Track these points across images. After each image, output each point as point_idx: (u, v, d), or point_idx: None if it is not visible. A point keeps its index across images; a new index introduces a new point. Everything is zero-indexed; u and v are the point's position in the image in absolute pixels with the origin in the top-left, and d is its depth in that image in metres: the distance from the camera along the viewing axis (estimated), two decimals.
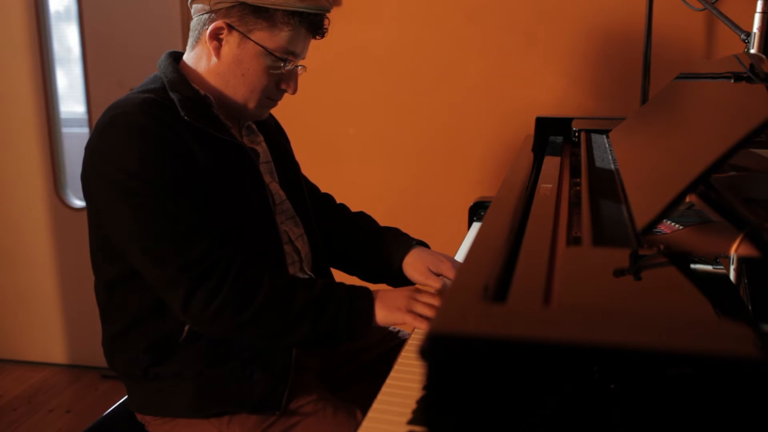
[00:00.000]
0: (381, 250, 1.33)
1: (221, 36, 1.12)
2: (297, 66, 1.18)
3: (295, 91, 1.19)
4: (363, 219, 1.44)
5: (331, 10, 1.16)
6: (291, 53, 1.14)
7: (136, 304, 1.14)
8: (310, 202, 1.36)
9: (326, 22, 1.16)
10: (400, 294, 1.11)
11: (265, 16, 1.09)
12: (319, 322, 1.06)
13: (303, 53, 1.17)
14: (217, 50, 1.13)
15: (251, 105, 1.17)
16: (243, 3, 1.08)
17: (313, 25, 1.14)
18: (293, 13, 1.10)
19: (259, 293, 1.04)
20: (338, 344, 1.12)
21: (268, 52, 1.12)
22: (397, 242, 1.32)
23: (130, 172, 1.03)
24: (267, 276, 1.07)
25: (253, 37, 1.11)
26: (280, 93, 1.20)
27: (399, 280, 1.29)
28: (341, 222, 1.43)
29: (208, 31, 1.11)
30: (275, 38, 1.11)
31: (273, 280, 1.06)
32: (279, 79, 1.17)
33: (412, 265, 1.27)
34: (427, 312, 1.07)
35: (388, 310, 1.08)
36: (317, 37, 1.17)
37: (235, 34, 1.11)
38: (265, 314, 1.04)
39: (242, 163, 1.16)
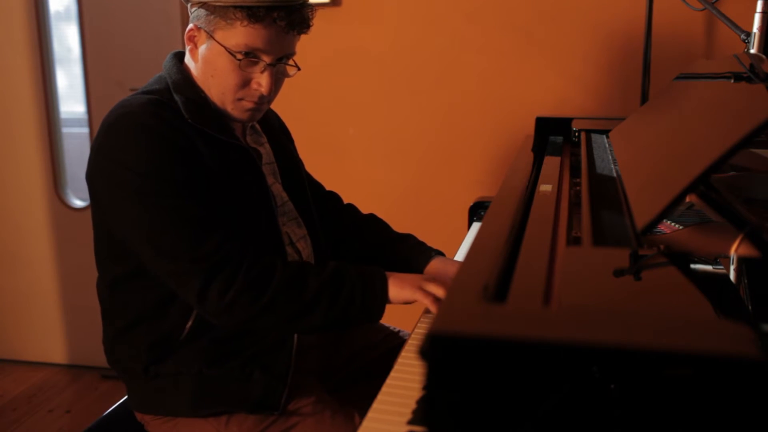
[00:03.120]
0: (399, 258, 1.32)
1: (194, 37, 1.12)
2: (271, 64, 1.10)
3: (268, 91, 1.11)
4: (376, 223, 1.43)
5: (327, 5, 1.13)
6: (256, 49, 1.08)
7: (138, 303, 1.14)
8: (314, 200, 1.36)
9: (296, 16, 1.08)
10: (412, 275, 1.12)
11: (221, 14, 1.06)
12: (334, 304, 1.06)
13: (275, 50, 1.09)
14: (193, 52, 1.13)
15: (229, 107, 1.14)
16: (203, 2, 1.08)
17: (272, 18, 1.05)
18: (238, 8, 1.05)
19: (272, 281, 1.05)
20: (354, 326, 1.11)
21: (229, 52, 1.08)
22: (417, 251, 1.31)
23: (137, 170, 1.03)
24: (279, 264, 1.07)
25: (216, 36, 1.09)
26: (254, 93, 1.13)
27: None
28: (353, 225, 1.42)
29: (185, 34, 1.12)
30: (233, 36, 1.07)
31: (285, 268, 1.07)
32: (249, 78, 1.11)
33: (435, 276, 1.26)
34: (438, 291, 1.07)
35: (400, 287, 1.09)
36: (291, 31, 1.09)
37: (203, 34, 1.11)
38: (280, 301, 1.05)
39: (245, 165, 1.16)
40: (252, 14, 1.05)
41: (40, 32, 2.42)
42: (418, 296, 1.07)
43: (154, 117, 1.05)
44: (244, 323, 1.07)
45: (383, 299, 1.08)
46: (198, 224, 1.04)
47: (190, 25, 1.11)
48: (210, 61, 1.11)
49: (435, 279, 1.12)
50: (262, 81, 1.11)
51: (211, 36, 1.09)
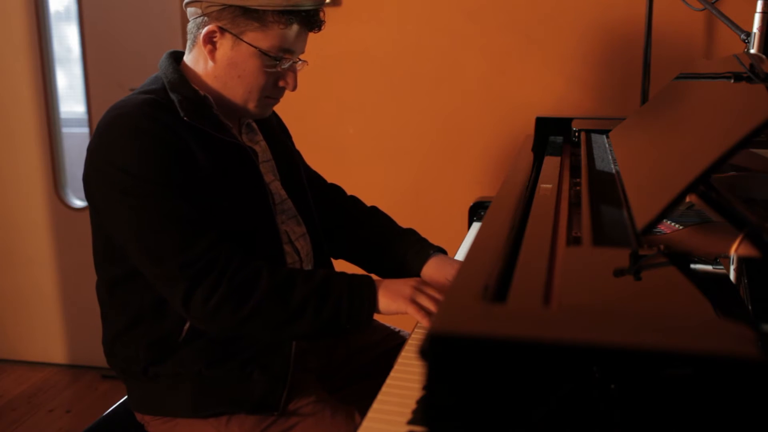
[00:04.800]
0: (398, 254, 1.32)
1: (215, 39, 1.11)
2: (295, 62, 1.16)
3: (294, 88, 1.18)
4: (379, 216, 1.43)
5: (327, 5, 1.15)
6: (286, 51, 1.13)
7: (137, 303, 1.14)
8: (314, 194, 1.35)
9: (321, 14, 1.15)
10: (404, 283, 1.10)
11: (255, 16, 1.08)
12: (320, 312, 1.05)
13: (300, 49, 1.16)
14: (212, 53, 1.13)
15: (251, 105, 1.17)
16: (233, 5, 1.08)
17: (307, 20, 1.12)
18: (283, 12, 1.08)
19: (257, 288, 1.04)
20: (343, 335, 1.11)
21: (262, 52, 1.11)
22: (416, 248, 1.31)
23: (131, 171, 1.03)
24: (265, 271, 1.06)
25: (245, 38, 1.10)
26: (280, 91, 1.19)
27: None
28: (356, 218, 1.42)
29: (202, 35, 1.11)
30: (268, 38, 1.10)
31: (271, 274, 1.06)
32: (277, 77, 1.16)
33: (431, 275, 1.26)
34: (430, 305, 1.06)
35: (391, 298, 1.08)
36: (314, 30, 1.16)
37: (227, 36, 1.11)
38: (265, 308, 1.04)
39: (242, 164, 1.16)
40: (291, 17, 1.09)
41: (40, 32, 2.42)
42: (410, 309, 1.07)
43: (149, 118, 1.05)
44: (230, 330, 1.07)
45: (371, 309, 1.08)
46: (188, 228, 1.04)
47: (209, 27, 1.10)
48: (236, 62, 1.12)
49: (429, 285, 1.11)
50: (289, 79, 1.17)
51: (238, 38, 1.10)
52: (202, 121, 1.11)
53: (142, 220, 1.04)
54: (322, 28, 1.16)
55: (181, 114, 1.09)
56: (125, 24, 2.34)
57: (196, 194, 1.07)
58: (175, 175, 1.05)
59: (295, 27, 1.11)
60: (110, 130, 1.06)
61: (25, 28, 2.41)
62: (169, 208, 1.04)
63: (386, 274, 1.35)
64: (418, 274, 1.28)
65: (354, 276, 1.11)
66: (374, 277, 1.12)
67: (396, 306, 1.08)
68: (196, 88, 1.14)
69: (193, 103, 1.12)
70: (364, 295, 1.08)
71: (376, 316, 1.10)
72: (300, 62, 1.18)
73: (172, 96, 1.11)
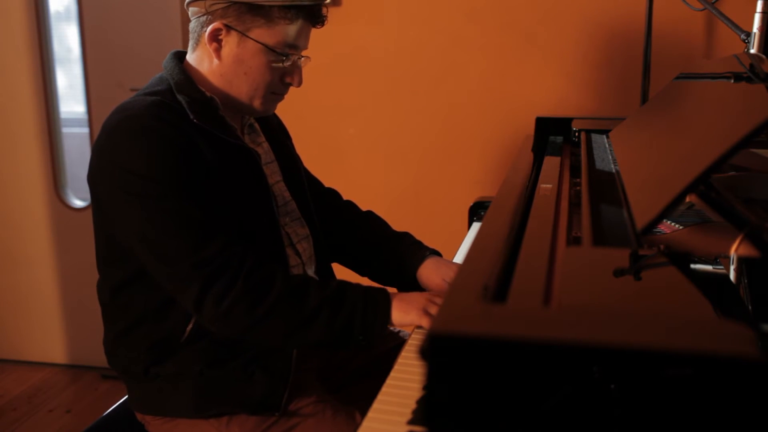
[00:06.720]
0: (394, 256, 1.32)
1: (220, 37, 1.11)
2: (300, 58, 1.17)
3: (299, 84, 1.18)
4: (374, 220, 1.43)
5: (327, 5, 1.16)
6: (292, 47, 1.13)
7: (140, 305, 1.14)
8: (313, 197, 1.36)
9: (324, 10, 1.16)
10: (417, 296, 1.11)
11: (262, 12, 1.09)
12: (334, 321, 1.04)
13: (304, 44, 1.16)
14: (218, 51, 1.13)
15: (257, 102, 1.17)
16: (238, 2, 1.08)
17: (312, 15, 1.13)
18: (290, 7, 1.09)
19: (271, 291, 1.04)
20: (352, 347, 1.09)
21: (269, 49, 1.11)
22: (412, 250, 1.31)
23: (140, 173, 1.03)
24: (280, 274, 1.06)
25: (251, 35, 1.10)
26: (285, 87, 1.19)
27: (410, 286, 1.29)
28: (351, 222, 1.42)
29: (207, 34, 1.11)
30: (274, 34, 1.10)
31: (286, 279, 1.06)
32: (283, 74, 1.16)
33: (428, 276, 1.26)
34: None
35: (404, 310, 1.08)
36: (317, 26, 1.16)
37: (233, 33, 1.11)
38: (278, 312, 1.04)
39: (247, 166, 1.16)
40: (296, 12, 1.10)
41: (40, 32, 2.42)
42: (424, 322, 1.06)
43: (157, 119, 1.05)
44: (242, 333, 1.06)
45: (384, 321, 1.07)
46: (199, 228, 1.04)
47: (214, 25, 1.10)
48: (243, 59, 1.12)
49: (441, 297, 1.11)
50: (295, 75, 1.17)
51: (244, 35, 1.10)
52: (210, 122, 1.10)
53: (152, 221, 1.04)
54: (325, 23, 1.17)
55: (191, 116, 1.08)
56: (125, 24, 2.34)
57: (205, 195, 1.07)
58: (184, 176, 1.05)
59: (299, 22, 1.11)
60: (117, 131, 1.06)
61: (25, 28, 2.41)
62: (180, 208, 1.04)
63: (382, 277, 1.35)
64: (414, 276, 1.28)
65: (369, 288, 1.11)
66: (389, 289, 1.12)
67: (410, 318, 1.07)
68: (202, 89, 1.14)
69: (201, 104, 1.11)
70: (379, 308, 1.07)
71: None
72: (304, 58, 1.18)
73: (180, 97, 1.10)
